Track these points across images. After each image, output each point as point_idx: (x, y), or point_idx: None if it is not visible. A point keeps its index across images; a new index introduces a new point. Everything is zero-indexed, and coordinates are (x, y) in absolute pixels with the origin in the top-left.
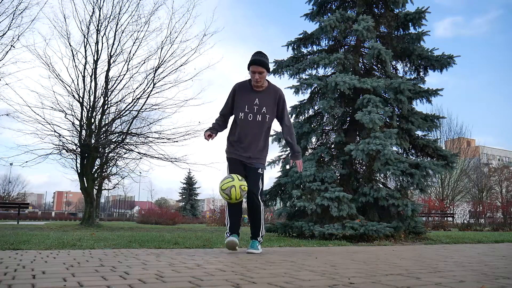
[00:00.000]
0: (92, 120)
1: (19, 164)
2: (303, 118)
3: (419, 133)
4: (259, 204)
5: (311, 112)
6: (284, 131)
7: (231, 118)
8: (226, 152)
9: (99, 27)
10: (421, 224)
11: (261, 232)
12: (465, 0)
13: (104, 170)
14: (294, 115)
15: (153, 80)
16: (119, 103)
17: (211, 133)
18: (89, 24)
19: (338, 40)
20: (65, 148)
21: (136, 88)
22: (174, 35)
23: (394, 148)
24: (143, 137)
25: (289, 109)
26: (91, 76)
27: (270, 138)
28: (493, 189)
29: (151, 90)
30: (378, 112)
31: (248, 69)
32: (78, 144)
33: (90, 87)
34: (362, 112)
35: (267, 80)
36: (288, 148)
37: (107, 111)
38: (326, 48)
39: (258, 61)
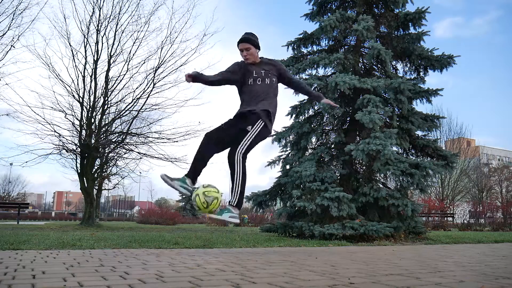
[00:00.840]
0: (92, 120)
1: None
2: (303, 118)
3: (419, 133)
4: (239, 160)
5: (311, 112)
6: (298, 84)
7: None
8: None
9: (99, 27)
10: (421, 224)
11: (236, 196)
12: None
13: (104, 170)
14: (294, 115)
15: (153, 80)
16: (119, 103)
17: (194, 76)
18: (89, 24)
19: (338, 40)
20: (65, 148)
21: (136, 88)
22: (174, 35)
23: (394, 148)
24: (143, 137)
25: (289, 109)
26: (91, 76)
27: (270, 138)
28: (493, 189)
29: (151, 90)
30: (378, 112)
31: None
32: (78, 144)
33: (90, 87)
34: (362, 112)
35: (261, 57)
36: (309, 97)
37: (107, 111)
38: (326, 48)
39: (242, 38)
